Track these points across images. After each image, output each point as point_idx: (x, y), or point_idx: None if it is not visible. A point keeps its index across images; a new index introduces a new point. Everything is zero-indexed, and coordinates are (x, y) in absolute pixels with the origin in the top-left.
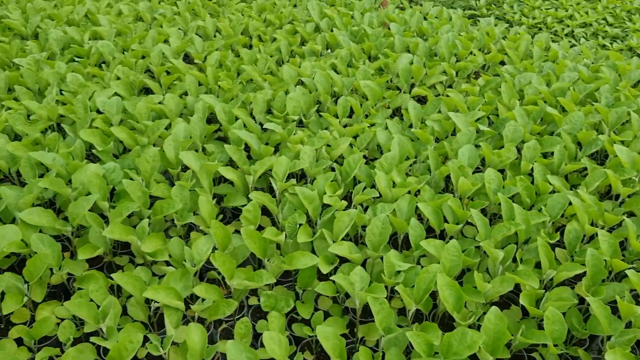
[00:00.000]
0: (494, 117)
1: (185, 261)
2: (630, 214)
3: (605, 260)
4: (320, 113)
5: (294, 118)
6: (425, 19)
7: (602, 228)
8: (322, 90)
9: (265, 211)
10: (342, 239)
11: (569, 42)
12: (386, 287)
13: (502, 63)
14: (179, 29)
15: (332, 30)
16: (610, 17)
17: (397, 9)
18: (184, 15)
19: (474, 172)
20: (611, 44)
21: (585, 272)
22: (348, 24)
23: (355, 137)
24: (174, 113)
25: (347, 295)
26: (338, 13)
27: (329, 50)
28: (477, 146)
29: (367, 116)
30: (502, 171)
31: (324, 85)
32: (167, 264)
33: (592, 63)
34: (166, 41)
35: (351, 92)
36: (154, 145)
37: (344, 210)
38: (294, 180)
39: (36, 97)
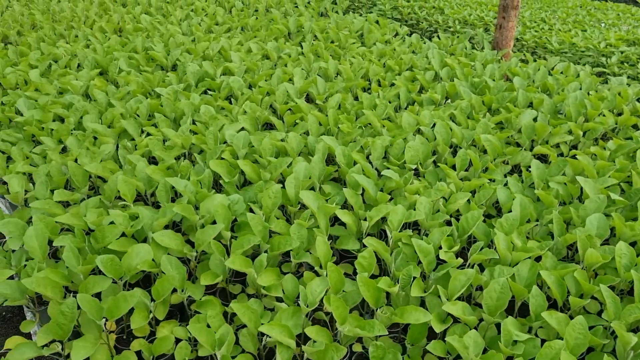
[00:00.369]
0: (625, 185)
1: (297, 299)
2: None
3: None
4: (437, 164)
5: (411, 167)
6: (550, 74)
7: None
8: (441, 140)
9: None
10: (456, 299)
11: None
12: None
13: (635, 127)
14: (302, 69)
15: (452, 80)
16: None
17: (520, 62)
18: (307, 56)
19: (602, 244)
20: None
21: None
22: (469, 74)
23: (472, 192)
24: (295, 151)
25: (456, 358)
26: (459, 63)
27: (448, 100)
28: (607, 215)
29: (485, 171)
30: (633, 245)
31: (442, 136)
32: (279, 299)
33: None
34: (290, 80)
35: (470, 145)
36: (280, 181)
37: (458, 268)
38: (409, 231)
39: (172, 125)
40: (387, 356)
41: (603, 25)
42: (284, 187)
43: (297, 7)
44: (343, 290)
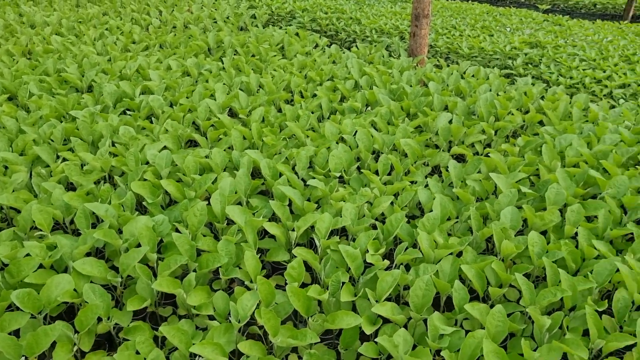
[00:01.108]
0: (534, 178)
1: (229, 316)
2: None
3: None
4: (360, 170)
5: (336, 175)
6: (462, 77)
7: None
8: (363, 147)
9: (305, 267)
10: (385, 300)
11: (608, 102)
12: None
13: (541, 123)
14: (224, 84)
15: (371, 88)
16: None
17: (434, 67)
18: (229, 71)
19: (516, 235)
20: None
21: (635, 343)
22: (387, 81)
23: (395, 195)
24: (220, 167)
25: (389, 357)
26: (377, 71)
27: (369, 108)
28: (519, 207)
29: (406, 174)
30: (544, 233)
31: (364, 143)
32: (210, 317)
33: (634, 125)
34: (212, 96)
35: (391, 149)
36: (206, 198)
37: (385, 269)
38: (337, 238)
39: (90, 148)
40: None
41: (508, 29)
42: (210, 204)
43: (215, 22)
44: (275, 303)
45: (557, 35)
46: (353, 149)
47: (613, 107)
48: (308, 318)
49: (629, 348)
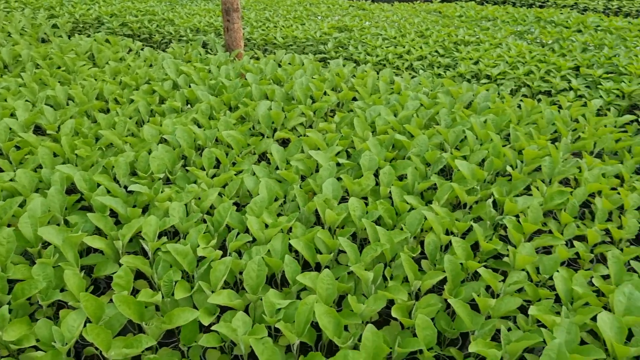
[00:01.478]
0: (352, 150)
1: (54, 342)
2: (478, 219)
3: (461, 263)
4: (186, 168)
5: (159, 176)
6: (279, 66)
7: (456, 235)
8: (186, 145)
9: (142, 275)
10: (223, 288)
11: (410, 74)
12: (270, 327)
13: (355, 99)
14: (27, 100)
15: (189, 86)
16: (441, 49)
17: (251, 59)
18: (30, 87)
19: (339, 203)
20: (445, 72)
21: (446, 278)
22: (205, 78)
23: (225, 187)
24: (28, 189)
25: (235, 343)
26: (195, 69)
27: (189, 106)
28: (339, 179)
29: (234, 164)
30: (365, 198)
31: (186, 140)
32: (37, 349)
33: (431, 91)
34: (12, 115)
35: (215, 143)
36: (8, 225)
37: (220, 259)
38: (165, 238)
39: None
40: None
41: (319, 17)
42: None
43: (10, 36)
44: (106, 317)
45: (361, 18)
46: (176, 148)
47: (414, 77)
48: (144, 324)
49: (444, 282)
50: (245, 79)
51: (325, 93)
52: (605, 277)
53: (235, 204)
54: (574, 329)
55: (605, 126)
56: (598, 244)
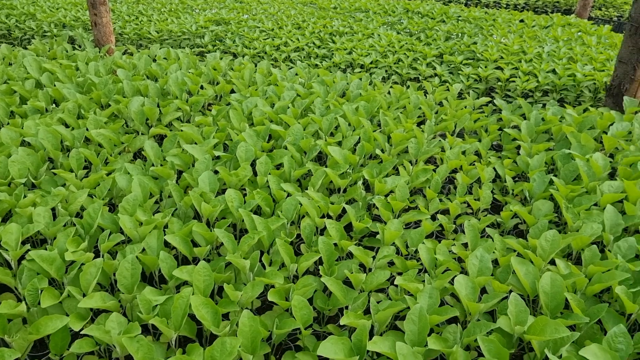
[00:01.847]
0: (229, 142)
1: None
2: (352, 201)
3: (335, 243)
4: (53, 171)
5: (20, 181)
6: (154, 61)
7: (332, 218)
8: (51, 146)
9: (7, 287)
10: (98, 291)
11: (287, 65)
12: (150, 326)
13: (233, 92)
14: None
15: (54, 84)
16: (317, 41)
17: (124, 55)
18: None
19: (218, 195)
20: (321, 62)
21: (320, 258)
22: (72, 75)
23: (96, 188)
24: None
25: (112, 346)
26: (60, 66)
27: (54, 105)
28: (217, 172)
29: (107, 163)
30: (244, 189)
31: (51, 142)
32: None
33: (307, 81)
34: None
35: (85, 143)
36: None
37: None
38: (28, 246)
39: None
40: None
41: (196, 11)
42: None
43: None
44: None
45: (239, 11)
46: (39, 151)
47: (291, 68)
48: (7, 338)
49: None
50: (117, 75)
51: (202, 87)
52: (466, 245)
53: (111, 205)
54: (435, 294)
55: (465, 108)
56: (460, 215)
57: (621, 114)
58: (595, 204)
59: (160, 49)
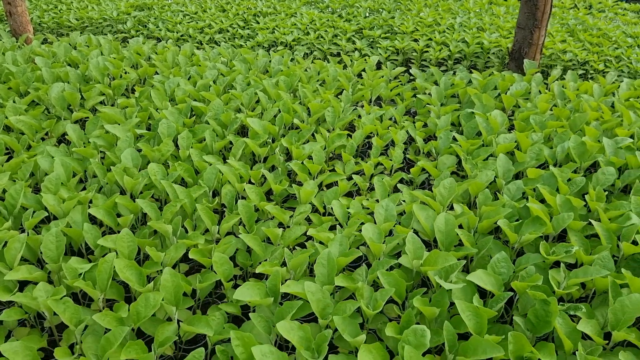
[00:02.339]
0: (152, 121)
1: None
2: (274, 168)
3: (255, 205)
4: None
5: None
6: (75, 48)
7: (255, 185)
8: None
9: None
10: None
11: (212, 47)
12: (77, 296)
13: (157, 74)
14: None
15: None
16: (241, 22)
17: (43, 44)
18: None
19: (140, 170)
20: (245, 42)
21: (240, 220)
22: None
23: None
24: None
25: (43, 316)
26: None
27: None
28: (140, 150)
29: (29, 149)
30: (168, 163)
31: None
32: None
33: (230, 60)
34: None
35: (5, 131)
36: None
37: None
38: None
39: None
40: None
41: None
42: None
43: None
44: None
45: None
46: None
47: (214, 49)
48: None
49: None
50: (36, 63)
51: (125, 72)
52: (378, 201)
53: (36, 190)
54: (345, 241)
55: (382, 77)
56: (374, 174)
57: (522, 75)
58: (492, 155)
59: (80, 36)
